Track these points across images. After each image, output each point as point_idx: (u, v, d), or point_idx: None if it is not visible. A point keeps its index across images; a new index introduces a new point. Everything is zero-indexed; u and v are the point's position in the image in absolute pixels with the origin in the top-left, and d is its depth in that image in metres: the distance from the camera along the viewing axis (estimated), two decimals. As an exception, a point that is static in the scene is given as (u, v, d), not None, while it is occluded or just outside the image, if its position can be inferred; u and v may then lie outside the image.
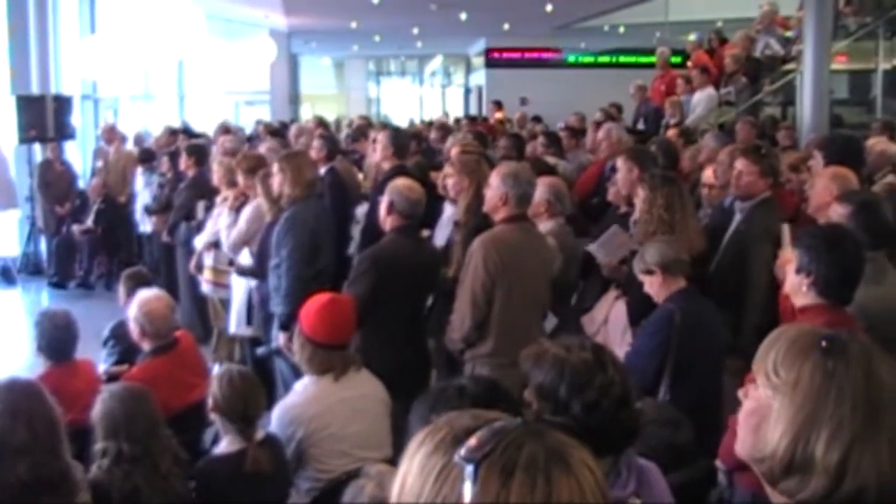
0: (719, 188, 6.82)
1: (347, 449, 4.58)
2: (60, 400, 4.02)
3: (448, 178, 6.89)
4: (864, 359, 1.78)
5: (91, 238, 13.58)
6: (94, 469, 4.10)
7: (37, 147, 14.51)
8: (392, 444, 4.71)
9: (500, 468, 1.29)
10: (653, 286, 4.99)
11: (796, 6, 14.27)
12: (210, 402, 4.43)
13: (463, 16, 21.70)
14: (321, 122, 14.41)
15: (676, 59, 16.55)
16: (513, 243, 5.40)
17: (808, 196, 5.87)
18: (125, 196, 13.90)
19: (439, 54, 36.69)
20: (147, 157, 13.23)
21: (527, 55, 28.61)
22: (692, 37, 15.67)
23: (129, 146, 14.91)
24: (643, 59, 24.71)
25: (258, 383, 4.59)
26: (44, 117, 13.92)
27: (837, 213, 4.71)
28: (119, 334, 6.18)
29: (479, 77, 30.63)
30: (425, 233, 6.94)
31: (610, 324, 5.93)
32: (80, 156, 16.53)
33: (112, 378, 5.58)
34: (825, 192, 5.34)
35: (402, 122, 24.01)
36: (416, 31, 26.69)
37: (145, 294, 5.58)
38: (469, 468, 1.30)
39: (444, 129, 12.89)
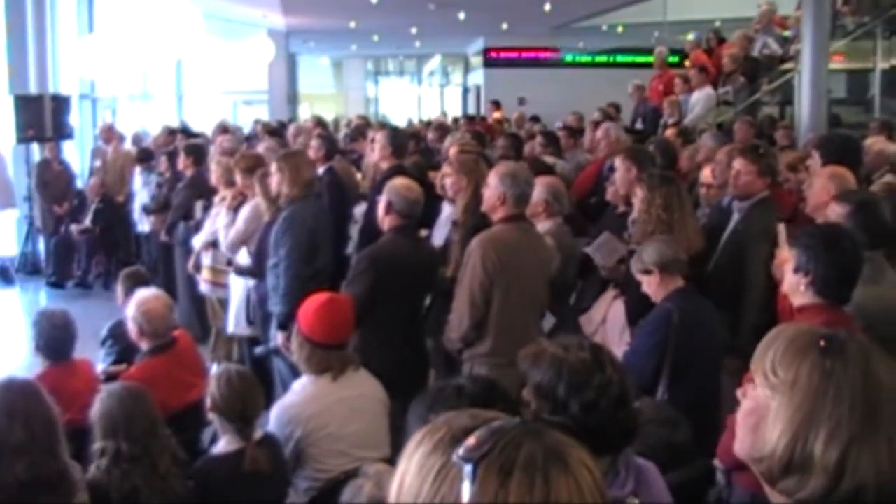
0: (717, 188, 6.82)
1: (346, 448, 4.58)
2: (58, 399, 4.01)
3: (446, 178, 6.89)
4: (863, 358, 1.78)
5: (89, 238, 13.57)
6: (92, 469, 4.10)
7: (35, 147, 14.50)
8: (390, 443, 4.71)
9: (498, 468, 1.29)
10: (650, 286, 4.99)
11: (794, 6, 14.28)
12: (208, 401, 4.43)
13: (461, 15, 21.71)
14: (319, 122, 14.39)
15: (674, 59, 16.55)
16: (511, 243, 5.40)
17: (806, 195, 5.87)
18: (123, 195, 13.89)
19: (438, 54, 36.67)
20: (145, 157, 13.22)
21: (525, 55, 28.60)
22: (690, 36, 15.66)
23: (128, 146, 14.90)
24: (640, 59, 24.72)
25: (256, 383, 4.59)
26: (42, 117, 13.91)
27: (836, 212, 4.71)
28: (117, 334, 6.18)
29: (478, 77, 30.62)
30: (423, 232, 6.93)
31: (608, 323, 5.93)
32: (78, 155, 16.53)
33: (110, 378, 5.57)
34: (823, 192, 5.34)
35: (400, 122, 24.03)
36: (414, 30, 26.69)
37: (143, 293, 5.58)
38: (467, 468, 1.30)
39: (442, 130, 12.88)
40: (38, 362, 5.54)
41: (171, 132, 14.43)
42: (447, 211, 7.17)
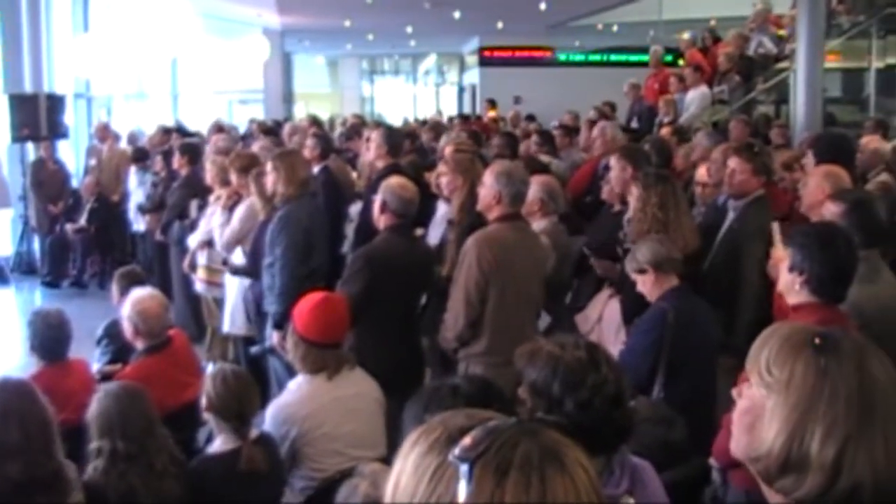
0: (713, 186, 6.82)
1: (341, 448, 4.58)
2: (53, 399, 4.01)
3: (442, 177, 6.90)
4: (857, 356, 1.78)
5: (84, 237, 13.54)
6: (89, 469, 4.09)
7: (30, 146, 14.48)
8: (386, 443, 4.70)
9: (494, 467, 1.29)
10: (645, 285, 4.99)
11: (789, 5, 14.29)
12: (204, 401, 4.42)
13: (456, 14, 21.72)
14: (315, 121, 14.40)
15: (668, 58, 16.57)
16: (506, 242, 5.40)
17: (801, 194, 5.88)
18: (118, 195, 13.87)
19: (433, 53, 36.73)
20: (140, 156, 13.19)
21: (520, 54, 28.60)
22: (686, 35, 15.71)
23: (123, 145, 14.88)
24: (634, 58, 24.75)
25: (252, 382, 4.59)
26: (37, 116, 13.89)
27: (831, 211, 4.72)
28: (112, 333, 6.17)
29: (473, 76, 30.64)
30: (419, 231, 6.94)
31: (604, 322, 5.94)
32: (73, 155, 16.48)
33: (105, 377, 5.57)
34: (818, 191, 5.35)
35: (395, 121, 24.02)
36: (409, 29, 26.70)
37: (139, 293, 5.57)
38: (464, 467, 1.30)
39: (437, 130, 12.90)
40: (33, 362, 5.53)
41: (166, 131, 14.40)
42: (443, 210, 7.17)
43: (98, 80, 18.20)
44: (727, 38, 14.69)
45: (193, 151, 10.36)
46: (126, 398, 4.22)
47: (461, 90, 34.61)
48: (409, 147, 10.61)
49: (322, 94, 37.55)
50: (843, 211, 4.66)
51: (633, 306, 5.30)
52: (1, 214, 14.42)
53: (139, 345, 5.48)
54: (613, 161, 6.82)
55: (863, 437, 1.71)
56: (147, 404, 4.27)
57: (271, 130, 13.30)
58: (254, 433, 4.42)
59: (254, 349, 7.30)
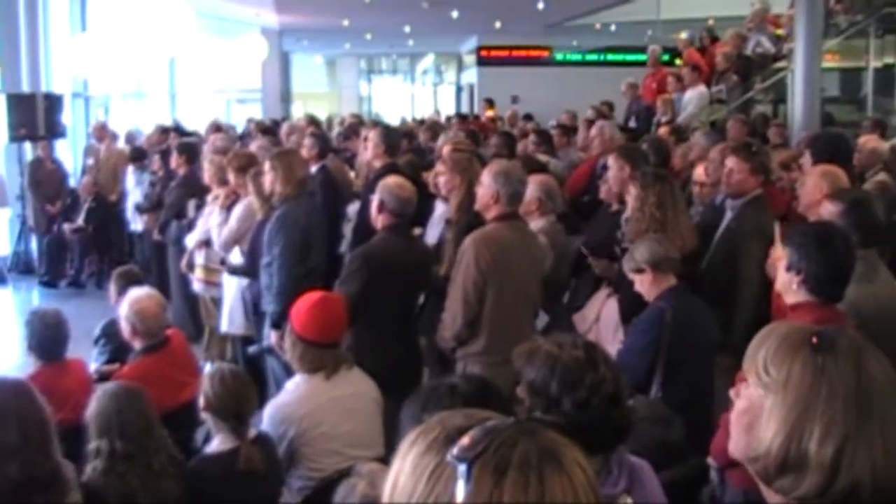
0: (710, 186, 6.82)
1: (339, 448, 4.58)
2: (51, 399, 4.00)
3: (440, 176, 6.90)
4: (855, 354, 1.78)
5: (82, 237, 13.54)
6: (88, 470, 4.09)
7: (27, 145, 14.46)
8: (384, 442, 4.70)
9: (492, 467, 1.29)
10: (643, 284, 4.99)
11: (787, 4, 14.31)
12: (202, 400, 4.42)
13: (454, 14, 21.72)
14: (313, 121, 14.39)
15: (666, 57, 16.56)
16: (504, 241, 5.40)
17: (798, 194, 5.88)
18: (116, 194, 13.88)
19: (431, 52, 36.76)
20: (138, 156, 13.20)
21: (518, 53, 28.60)
22: (683, 35, 15.70)
23: (121, 144, 14.88)
24: (631, 58, 24.77)
25: (250, 382, 4.59)
26: (34, 115, 13.88)
27: (828, 210, 4.72)
28: (110, 333, 6.17)
29: (471, 75, 30.64)
30: (417, 231, 6.94)
31: (602, 322, 5.94)
32: (70, 154, 16.47)
33: (103, 377, 5.58)
34: (816, 190, 5.35)
35: (393, 121, 24.02)
36: (407, 29, 26.70)
37: (136, 293, 5.57)
38: (462, 467, 1.30)
39: (434, 130, 12.90)
40: (30, 362, 5.53)
41: (163, 131, 14.40)
42: (440, 209, 7.17)
43: (96, 80, 18.16)
44: (725, 37, 14.70)
45: (191, 151, 10.36)
46: (125, 398, 4.22)
47: (459, 90, 34.62)
48: (407, 147, 10.61)
49: (320, 93, 37.58)
50: (841, 210, 4.66)
51: (631, 306, 5.30)
52: (-2, 214, 14.44)
53: (137, 344, 5.48)
54: (611, 160, 6.82)
55: (861, 436, 1.71)
56: (145, 404, 4.27)
57: (269, 130, 13.30)
58: (252, 433, 4.42)
59: (252, 349, 7.30)
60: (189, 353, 5.91)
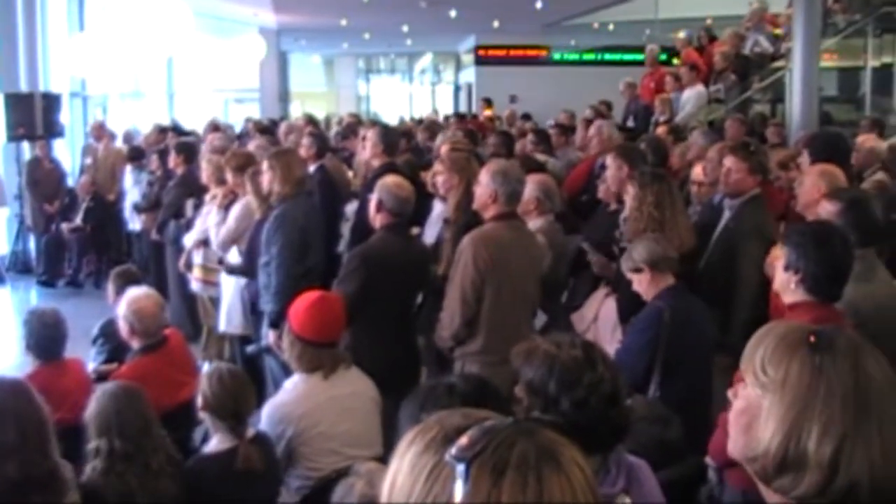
0: (709, 185, 6.82)
1: (337, 447, 4.58)
2: (49, 399, 4.00)
3: (438, 176, 6.90)
4: (853, 353, 1.78)
5: (80, 236, 13.54)
6: (87, 470, 4.09)
7: (25, 145, 14.45)
8: (382, 442, 4.70)
9: (491, 467, 1.29)
10: (641, 284, 4.99)
11: (785, 4, 14.32)
12: (200, 400, 4.42)
13: (452, 13, 21.71)
14: (311, 120, 14.39)
15: (664, 57, 16.57)
16: (502, 241, 5.40)
17: (797, 193, 5.88)
18: (114, 194, 13.87)
19: (429, 52, 36.74)
20: (136, 155, 13.20)
21: (516, 53, 28.59)
22: (682, 34, 15.69)
23: (119, 144, 14.87)
24: (628, 57, 24.77)
25: (248, 381, 4.59)
26: (32, 115, 13.87)
27: (827, 210, 4.72)
28: (108, 333, 6.17)
29: (469, 74, 30.63)
30: (415, 230, 6.93)
31: (600, 321, 5.93)
32: (68, 154, 16.46)
33: (101, 376, 5.57)
34: (814, 190, 5.35)
35: (391, 120, 24.00)
36: (405, 28, 26.69)
37: (134, 292, 5.57)
38: (460, 467, 1.30)
39: (432, 129, 12.90)
40: (28, 361, 5.53)
41: (162, 130, 14.41)
42: (438, 209, 7.17)
43: (94, 79, 18.16)
44: (723, 36, 14.69)
45: (189, 150, 10.36)
46: (124, 397, 4.22)
47: (457, 89, 34.61)
48: (405, 146, 10.60)
49: (318, 93, 37.56)
50: (839, 210, 4.66)
51: (630, 305, 5.31)
52: (-4, 214, 14.42)
53: (135, 344, 5.48)
54: (610, 160, 6.82)
55: (859, 434, 1.71)
56: (144, 404, 4.27)
57: (267, 129, 13.30)
58: (250, 432, 4.42)
59: (250, 348, 7.30)
60: (187, 352, 5.90)
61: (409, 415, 2.55)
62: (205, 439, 4.85)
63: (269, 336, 6.59)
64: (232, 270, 7.61)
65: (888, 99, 12.62)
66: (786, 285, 4.01)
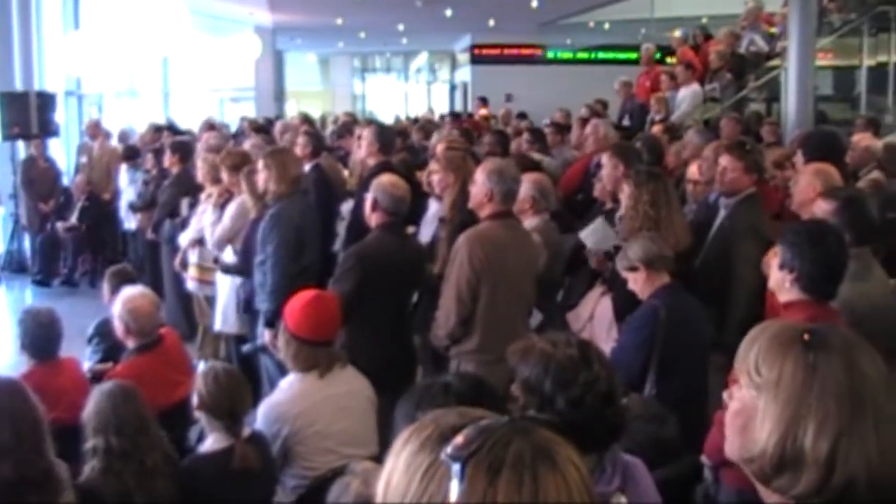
0: (704, 184, 6.83)
1: (333, 446, 4.57)
2: (44, 398, 4.00)
3: (433, 175, 6.90)
4: (846, 351, 1.78)
5: (75, 235, 13.52)
6: (86, 469, 4.09)
7: (20, 144, 14.43)
8: (378, 441, 4.70)
9: (486, 466, 1.29)
10: (637, 282, 4.99)
11: (781, 2, 14.32)
12: (195, 399, 4.41)
13: (448, 12, 21.72)
14: (306, 119, 14.37)
15: (659, 55, 16.57)
16: (498, 240, 5.39)
17: (792, 192, 5.88)
18: (109, 193, 13.87)
19: (424, 51, 36.76)
20: (132, 154, 13.18)
21: (512, 52, 28.58)
22: (677, 33, 15.69)
23: (114, 143, 14.86)
24: (623, 56, 24.78)
25: (244, 380, 4.58)
26: (27, 114, 13.83)
27: (822, 209, 4.72)
28: (103, 332, 6.16)
29: (465, 73, 30.62)
30: (410, 229, 6.93)
31: (595, 320, 5.93)
32: (63, 153, 16.44)
33: (96, 376, 5.56)
34: (809, 189, 5.35)
35: (387, 119, 23.99)
36: (401, 27, 26.70)
37: (130, 291, 5.56)
38: (456, 466, 1.29)
39: (427, 129, 12.91)
40: (23, 361, 5.52)
41: (157, 129, 14.39)
42: (434, 208, 7.17)
43: (89, 78, 18.14)
44: (719, 35, 14.68)
45: (184, 149, 10.35)
46: (120, 395, 4.22)
47: (453, 88, 34.61)
48: (401, 145, 10.61)
49: (313, 91, 37.54)
50: (835, 209, 4.66)
51: (625, 304, 5.31)
52: (-9, 212, 14.41)
53: (130, 343, 5.47)
54: (605, 159, 6.83)
55: (855, 432, 1.71)
56: (141, 402, 4.27)
57: (263, 128, 13.30)
58: (246, 432, 4.41)
59: (245, 347, 7.30)
60: (183, 351, 5.90)
61: (404, 414, 2.54)
62: (200, 439, 4.85)
63: (264, 335, 6.58)
64: (227, 269, 7.61)
65: (883, 98, 12.62)
66: (781, 284, 4.02)
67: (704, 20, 18.17)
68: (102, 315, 6.24)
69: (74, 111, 18.27)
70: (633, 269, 4.98)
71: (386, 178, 6.11)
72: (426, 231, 7.19)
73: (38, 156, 14.15)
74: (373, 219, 5.98)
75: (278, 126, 12.96)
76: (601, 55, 27.48)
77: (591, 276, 6.27)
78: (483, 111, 21.51)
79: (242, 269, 7.20)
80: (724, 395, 1.94)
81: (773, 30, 14.23)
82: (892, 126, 11.37)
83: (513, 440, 1.32)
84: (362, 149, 8.45)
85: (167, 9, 13.88)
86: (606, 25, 25.67)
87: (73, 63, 15.42)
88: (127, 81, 21.73)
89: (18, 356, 5.67)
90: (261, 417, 4.62)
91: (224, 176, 7.94)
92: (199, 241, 8.34)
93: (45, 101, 14.36)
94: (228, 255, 7.66)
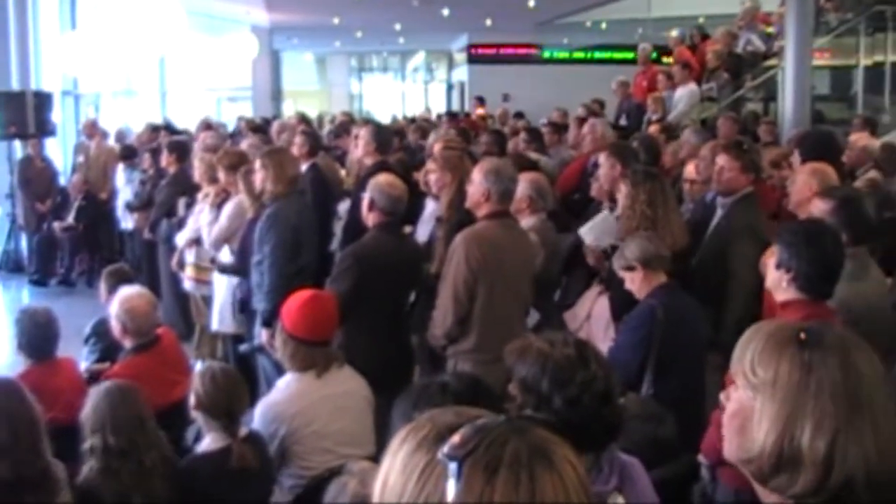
0: (701, 183, 6.83)
1: (330, 446, 4.57)
2: (41, 398, 4.00)
3: (430, 174, 6.90)
4: (842, 349, 1.78)
5: (72, 235, 13.50)
6: (85, 470, 4.08)
7: (17, 143, 14.41)
8: (375, 440, 4.70)
9: (483, 465, 1.29)
10: (634, 282, 4.99)
11: (778, 2, 14.30)
12: (192, 399, 4.41)
13: (445, 11, 21.72)
14: (303, 119, 14.37)
15: (655, 55, 16.56)
16: (495, 239, 5.40)
17: (789, 192, 5.89)
18: (106, 193, 13.85)
19: (421, 50, 36.75)
20: (128, 154, 13.17)
21: (509, 51, 28.57)
22: (674, 33, 15.70)
23: (111, 142, 14.85)
24: (619, 55, 24.78)
25: (241, 380, 4.58)
26: (24, 113, 13.80)
27: (819, 208, 4.72)
28: (100, 332, 6.15)
29: (462, 73, 30.62)
30: (407, 229, 6.93)
31: (593, 319, 5.94)
32: (60, 152, 16.43)
33: (93, 376, 5.55)
34: (805, 188, 5.36)
35: (384, 118, 23.98)
36: (398, 26, 26.69)
37: (127, 291, 5.55)
38: (452, 466, 1.29)
39: (424, 130, 12.91)
40: (20, 361, 5.51)
41: (154, 129, 14.38)
42: (431, 207, 7.17)
43: (86, 78, 18.13)
44: (715, 35, 14.68)
45: (181, 149, 10.33)
46: (118, 394, 4.22)
47: (450, 87, 34.60)
48: (398, 145, 10.61)
49: (310, 91, 37.52)
50: (832, 208, 4.66)
51: (623, 303, 5.31)
52: (-12, 213, 14.39)
53: (127, 343, 5.46)
54: (602, 158, 6.83)
55: (852, 429, 1.71)
56: (139, 401, 4.27)
57: (260, 128, 13.31)
58: (243, 431, 4.41)
59: (242, 347, 7.29)
60: (180, 351, 5.89)
61: (401, 413, 2.54)
62: (197, 439, 4.84)
63: (261, 335, 6.58)
64: (224, 269, 7.60)
65: (880, 97, 12.62)
66: (778, 283, 4.02)
67: (701, 20, 18.15)
68: (99, 315, 6.23)
69: (71, 111, 18.27)
70: (630, 268, 4.98)
71: (383, 178, 6.11)
72: (423, 231, 7.19)
73: (35, 155, 14.11)
74: (370, 218, 5.98)
75: (275, 126, 12.95)
76: (598, 55, 27.46)
77: (589, 275, 6.27)
78: (480, 111, 21.51)
79: (239, 268, 7.19)
80: (721, 396, 1.94)
81: (770, 29, 14.24)
82: (888, 125, 11.39)
83: (510, 439, 1.32)
84: (359, 148, 8.45)
85: (164, 8, 13.87)
86: (603, 25, 25.67)
87: (70, 62, 15.41)
88: (124, 81, 21.72)
89: (15, 356, 5.65)
90: (258, 417, 4.62)
91: (221, 175, 7.94)
92: (196, 241, 8.33)
93: (42, 101, 14.34)
94: (225, 255, 7.65)
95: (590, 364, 2.77)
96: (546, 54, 28.57)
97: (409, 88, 38.26)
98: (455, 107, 28.95)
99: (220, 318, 7.72)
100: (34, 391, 3.99)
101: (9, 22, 14.76)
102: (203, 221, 7.99)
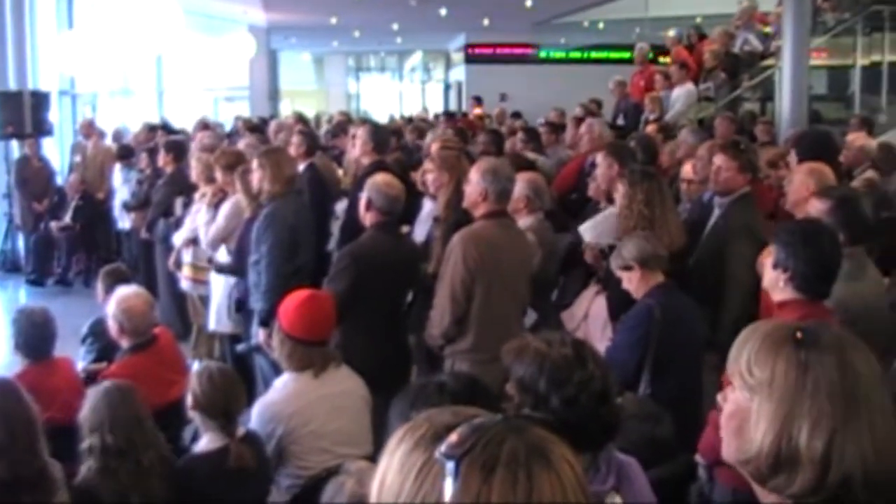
0: (698, 183, 6.83)
1: (328, 446, 4.57)
2: (38, 398, 4.00)
3: (428, 174, 6.90)
4: (838, 348, 1.78)
5: (69, 235, 13.50)
6: (83, 470, 4.08)
7: (14, 143, 14.40)
8: (372, 440, 4.70)
9: (481, 465, 1.29)
10: (631, 282, 4.99)
11: (775, 2, 14.34)
12: (190, 399, 4.41)
13: (443, 11, 21.71)
14: (301, 118, 14.37)
15: (652, 55, 16.57)
16: (492, 239, 5.40)
17: (786, 191, 5.89)
18: (103, 192, 13.83)
19: (419, 50, 36.78)
20: (126, 154, 13.17)
21: (506, 51, 28.58)
22: (671, 32, 15.71)
23: (108, 142, 14.84)
24: (616, 55, 24.80)
25: (238, 379, 4.58)
26: (21, 113, 13.79)
27: (816, 208, 4.72)
28: (98, 331, 6.15)
29: (459, 73, 30.64)
30: (405, 229, 6.93)
31: (590, 319, 5.93)
32: (57, 152, 16.40)
33: (90, 376, 5.55)
34: (803, 188, 5.36)
35: (381, 118, 23.97)
36: (395, 26, 26.70)
37: (124, 291, 5.55)
38: (450, 465, 1.29)
39: (420, 129, 12.91)
40: (17, 360, 5.50)
41: (151, 128, 14.37)
42: (428, 207, 7.17)
43: (83, 77, 18.09)
44: (713, 35, 14.70)
45: (179, 149, 10.33)
46: (116, 394, 4.22)
47: (447, 87, 34.64)
48: (395, 145, 10.60)
49: (308, 91, 37.55)
50: (829, 208, 4.66)
51: (620, 303, 5.31)
52: (-15, 212, 14.37)
53: (124, 343, 5.46)
54: (600, 158, 6.84)
55: (849, 429, 1.71)
56: (136, 400, 4.27)
57: (257, 128, 13.29)
58: (240, 431, 4.41)
59: (240, 347, 7.28)
60: (177, 351, 5.89)
61: (399, 413, 2.54)
62: (194, 439, 4.84)
63: (258, 335, 6.58)
64: (221, 269, 7.60)
65: (877, 97, 12.64)
66: (775, 283, 4.02)
67: (699, 19, 18.18)
68: (96, 315, 6.22)
69: (68, 110, 18.23)
70: (627, 268, 4.98)
71: (380, 178, 6.11)
72: (420, 230, 7.19)
73: (32, 155, 14.11)
74: (367, 218, 5.98)
75: (273, 125, 12.94)
76: (595, 54, 27.50)
77: (586, 275, 6.27)
78: (477, 110, 21.52)
79: (236, 268, 7.19)
80: (718, 397, 1.94)
81: (768, 29, 14.26)
82: (885, 125, 11.40)
83: (507, 439, 1.32)
84: (357, 148, 8.45)
85: (161, 8, 13.85)
86: (601, 25, 25.67)
87: (67, 62, 15.38)
88: (121, 80, 21.67)
89: (12, 356, 5.65)
90: (255, 417, 4.62)
91: (218, 175, 7.93)
92: (194, 241, 8.33)
93: (39, 101, 14.32)
94: (222, 255, 7.65)
95: (587, 364, 2.77)
96: (543, 54, 28.60)
97: (407, 88, 38.29)
98: (452, 106, 28.97)
99: (217, 317, 7.72)
100: (31, 391, 3.98)
101: (5, 21, 14.75)
102: (200, 221, 7.99)
